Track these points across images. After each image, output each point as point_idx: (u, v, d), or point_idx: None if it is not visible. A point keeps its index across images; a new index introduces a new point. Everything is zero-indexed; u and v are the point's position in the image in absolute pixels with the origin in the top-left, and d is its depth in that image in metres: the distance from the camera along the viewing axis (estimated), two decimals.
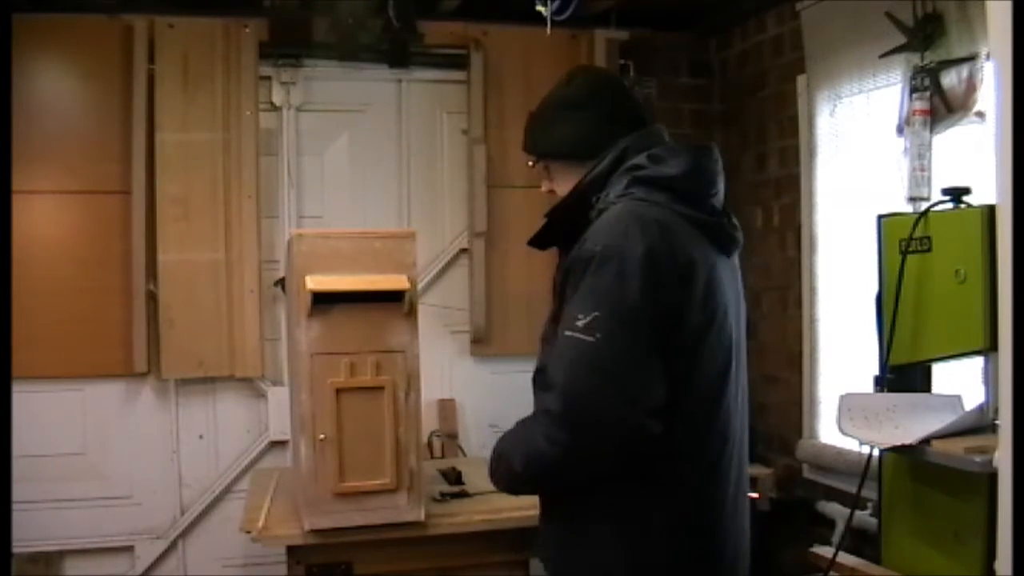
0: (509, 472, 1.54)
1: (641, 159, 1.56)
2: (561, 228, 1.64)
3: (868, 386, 2.38)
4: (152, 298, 3.17)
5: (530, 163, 1.75)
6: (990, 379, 2.06)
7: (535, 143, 1.73)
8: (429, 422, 3.28)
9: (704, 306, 1.47)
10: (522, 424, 1.54)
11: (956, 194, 2.19)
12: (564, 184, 1.68)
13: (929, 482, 2.13)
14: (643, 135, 1.63)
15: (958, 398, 2.22)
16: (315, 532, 2.16)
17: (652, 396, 1.41)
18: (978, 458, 1.88)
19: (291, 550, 2.24)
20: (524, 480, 1.54)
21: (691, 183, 1.56)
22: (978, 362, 2.13)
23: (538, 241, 1.71)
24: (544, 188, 1.76)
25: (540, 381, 1.52)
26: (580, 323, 1.40)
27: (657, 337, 1.42)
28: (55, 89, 3.15)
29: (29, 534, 3.06)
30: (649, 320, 1.41)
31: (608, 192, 1.56)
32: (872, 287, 2.40)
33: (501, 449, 1.58)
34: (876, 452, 2.24)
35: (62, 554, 3.18)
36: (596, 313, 1.40)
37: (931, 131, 2.47)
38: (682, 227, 1.49)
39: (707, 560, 1.53)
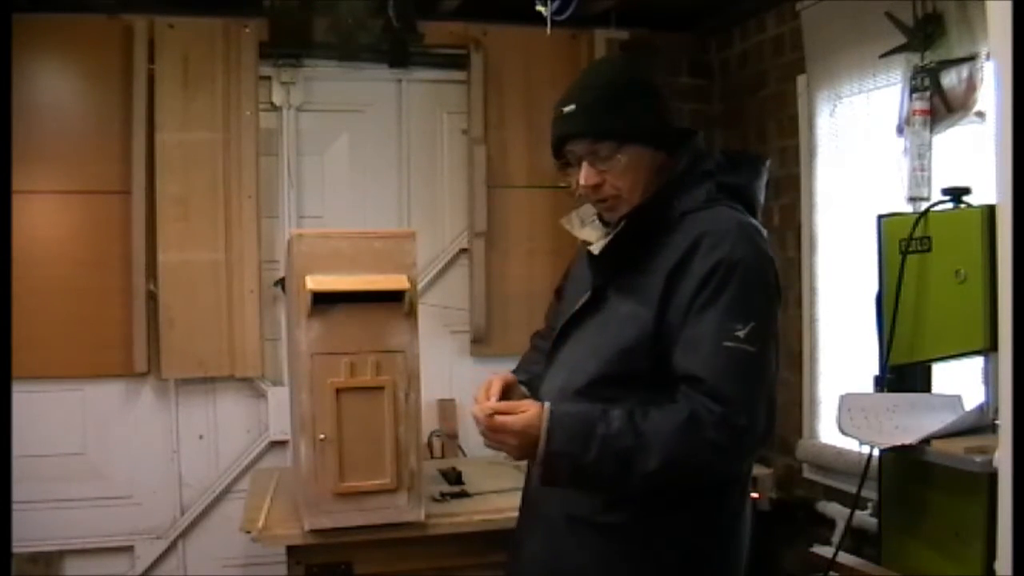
0: (625, 469, 1.38)
1: (712, 164, 1.54)
2: (641, 231, 1.51)
3: (868, 386, 2.38)
4: (152, 298, 3.17)
5: (603, 150, 1.50)
6: (990, 379, 2.06)
7: (617, 123, 1.49)
8: (429, 422, 3.28)
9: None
10: (646, 423, 1.39)
11: (956, 194, 2.19)
12: (628, 176, 1.51)
13: (929, 482, 2.13)
14: (698, 138, 1.59)
15: (958, 398, 2.22)
16: (315, 532, 2.16)
17: (776, 414, 1.48)
18: (978, 458, 1.88)
19: (291, 550, 2.23)
20: (647, 481, 1.39)
21: (759, 194, 1.58)
22: (978, 362, 2.13)
23: (615, 248, 1.53)
24: (589, 181, 1.52)
25: (621, 394, 1.45)
26: (740, 333, 1.37)
27: (780, 351, 1.48)
28: (55, 89, 3.15)
29: (29, 534, 3.06)
30: (778, 334, 1.46)
31: (687, 195, 1.51)
32: (872, 287, 2.40)
33: (611, 441, 1.38)
34: (876, 452, 2.24)
35: (62, 554, 3.18)
36: (753, 323, 1.38)
37: (931, 131, 2.47)
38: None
39: (742, 554, 1.56)
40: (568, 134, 1.54)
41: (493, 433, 1.45)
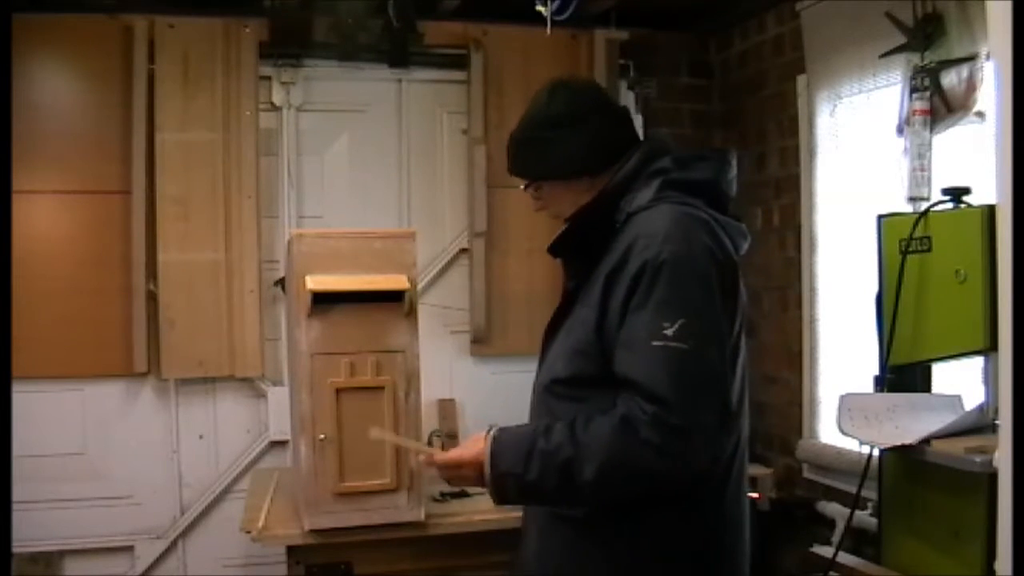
0: (567, 480, 1.41)
1: (666, 163, 1.55)
2: (582, 234, 1.58)
3: (868, 386, 2.39)
4: (152, 298, 3.17)
5: (521, 187, 1.69)
6: (990, 379, 2.06)
7: (526, 167, 1.67)
8: (429, 422, 3.28)
9: (739, 310, 1.51)
10: (585, 432, 1.41)
11: (956, 194, 2.19)
12: (560, 202, 1.64)
13: (929, 482, 2.13)
14: (658, 139, 1.64)
15: (958, 398, 2.22)
16: (315, 532, 2.16)
17: (731, 409, 1.45)
18: (978, 458, 1.88)
19: (291, 550, 2.24)
20: (591, 490, 1.41)
21: (722, 187, 1.59)
22: (978, 362, 2.13)
23: (558, 248, 1.63)
24: (537, 207, 1.70)
25: (567, 392, 1.51)
26: (669, 331, 1.37)
27: (727, 345, 1.45)
28: (55, 89, 3.14)
29: (29, 534, 3.06)
30: (722, 327, 1.44)
31: (635, 196, 1.54)
32: (872, 287, 2.40)
33: (550, 456, 1.42)
34: (876, 452, 2.24)
35: (62, 554, 3.18)
36: (682, 320, 1.37)
37: (931, 131, 2.47)
38: (721, 231, 1.51)
39: (721, 552, 1.54)
40: (511, 172, 1.71)
41: (450, 471, 1.55)
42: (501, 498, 1.51)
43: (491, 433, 1.52)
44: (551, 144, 1.61)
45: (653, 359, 1.37)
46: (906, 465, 2.20)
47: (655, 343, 1.37)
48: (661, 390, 1.35)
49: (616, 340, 1.43)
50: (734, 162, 1.62)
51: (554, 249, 1.64)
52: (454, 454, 1.56)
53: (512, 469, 1.46)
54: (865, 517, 2.65)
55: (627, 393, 1.40)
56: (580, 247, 1.58)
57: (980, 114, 2.38)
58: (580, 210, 1.59)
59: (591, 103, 1.63)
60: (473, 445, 1.53)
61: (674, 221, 1.45)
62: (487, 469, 1.48)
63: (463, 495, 2.48)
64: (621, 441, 1.37)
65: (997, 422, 1.79)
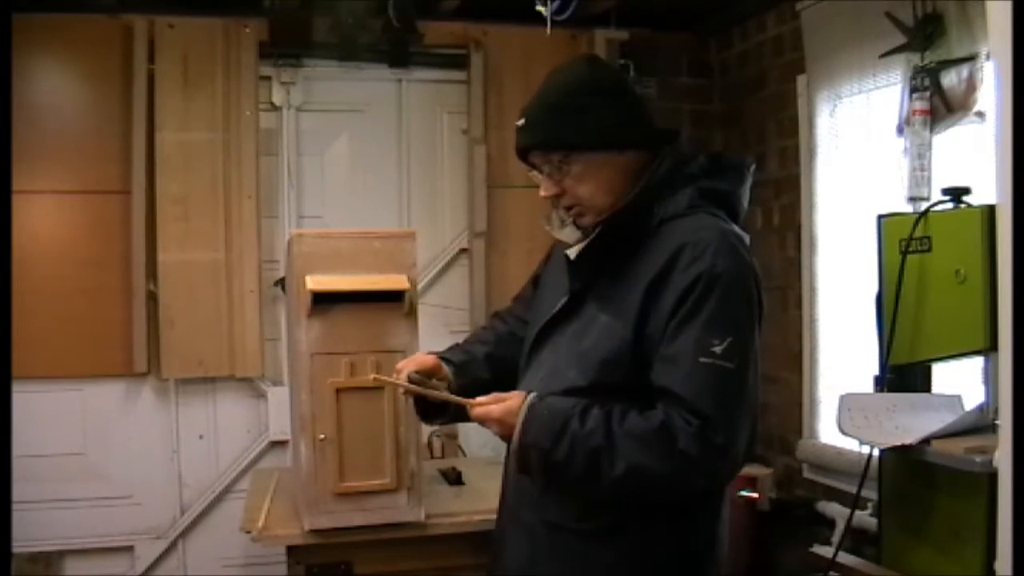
0: (593, 469, 1.37)
1: (696, 168, 1.50)
2: (615, 238, 1.49)
3: (868, 386, 2.39)
4: (152, 298, 3.18)
5: (554, 160, 1.49)
6: (990, 379, 2.06)
7: (561, 135, 1.49)
8: None
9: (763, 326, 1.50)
10: (621, 426, 1.38)
11: (956, 194, 2.19)
12: (586, 184, 1.49)
13: (929, 482, 2.13)
14: (680, 140, 1.55)
15: (958, 398, 2.22)
16: (315, 532, 2.16)
17: (757, 428, 1.46)
18: (978, 458, 1.88)
19: (291, 550, 2.23)
20: (613, 486, 1.38)
21: (743, 200, 1.54)
22: (978, 362, 2.13)
23: (590, 254, 1.51)
24: (549, 191, 1.52)
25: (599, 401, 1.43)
26: (717, 349, 1.35)
27: (760, 363, 1.44)
28: (55, 89, 3.15)
29: (29, 534, 3.06)
30: (758, 345, 1.43)
31: (668, 201, 1.47)
32: (872, 287, 2.40)
33: (581, 440, 1.37)
34: (876, 452, 2.24)
35: (62, 554, 3.18)
36: (730, 339, 1.36)
37: (931, 131, 2.47)
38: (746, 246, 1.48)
39: (718, 565, 1.55)
40: (521, 147, 1.55)
41: (480, 421, 1.48)
42: (522, 467, 1.45)
43: (529, 399, 1.44)
44: (591, 110, 1.48)
45: (700, 376, 1.35)
46: (906, 465, 2.20)
47: (703, 359, 1.35)
48: (705, 407, 1.34)
49: (657, 349, 1.40)
50: (751, 174, 1.57)
51: (584, 253, 1.52)
52: (492, 411, 1.46)
53: (540, 443, 1.40)
54: (865, 517, 2.65)
55: (668, 402, 1.37)
56: (606, 251, 1.50)
57: (980, 114, 2.38)
58: (615, 214, 1.48)
59: (627, 79, 1.57)
60: (508, 402, 1.45)
61: (721, 234, 1.42)
62: (516, 434, 1.42)
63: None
64: (658, 445, 1.35)
65: (997, 422, 1.79)
